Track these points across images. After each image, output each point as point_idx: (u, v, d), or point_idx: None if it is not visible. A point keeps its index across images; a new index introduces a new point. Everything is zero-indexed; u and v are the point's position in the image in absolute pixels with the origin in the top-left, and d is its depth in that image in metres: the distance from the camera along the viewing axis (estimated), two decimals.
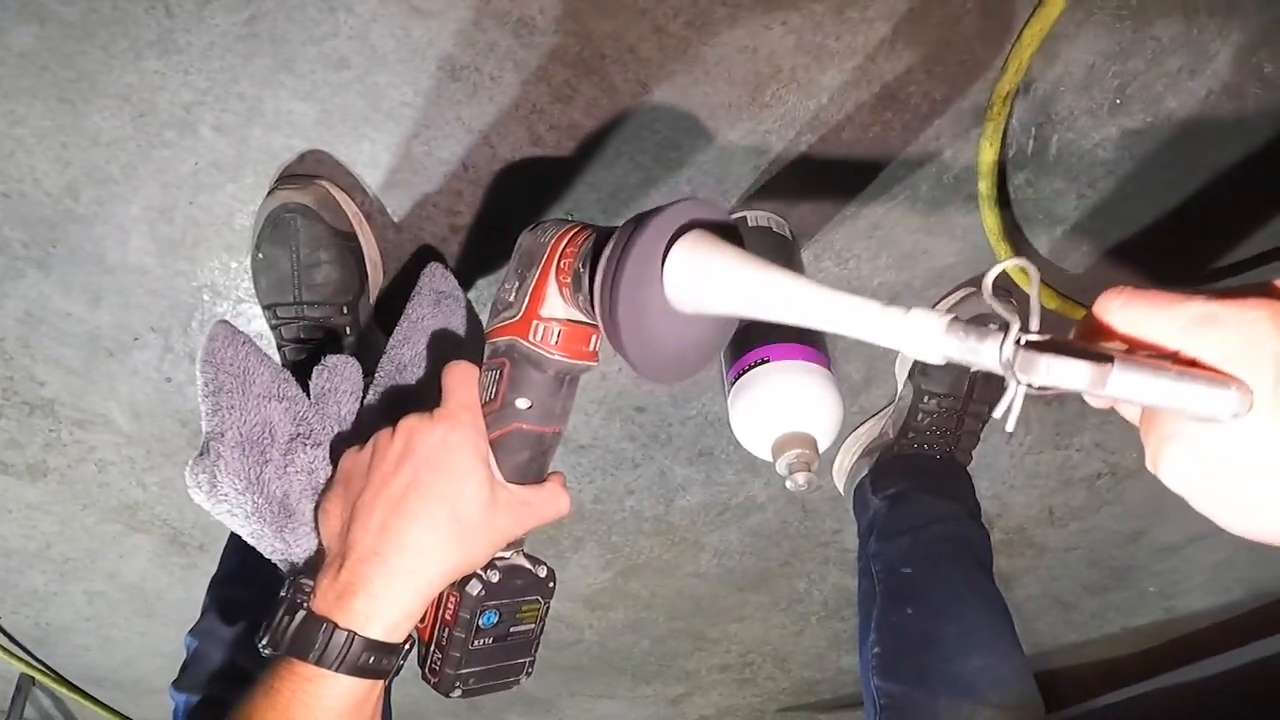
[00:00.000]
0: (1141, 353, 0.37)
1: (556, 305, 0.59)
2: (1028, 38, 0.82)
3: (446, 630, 0.61)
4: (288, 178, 0.92)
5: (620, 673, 1.71)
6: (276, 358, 0.98)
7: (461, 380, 0.61)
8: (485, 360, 0.63)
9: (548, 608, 0.67)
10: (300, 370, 0.96)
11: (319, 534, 0.62)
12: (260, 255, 0.92)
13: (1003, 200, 0.93)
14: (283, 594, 0.57)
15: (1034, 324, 0.37)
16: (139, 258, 0.99)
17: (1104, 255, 1.01)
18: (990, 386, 1.04)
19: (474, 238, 0.97)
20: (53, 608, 1.58)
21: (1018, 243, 0.97)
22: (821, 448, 0.78)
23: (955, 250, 1.00)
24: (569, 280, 0.57)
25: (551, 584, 0.66)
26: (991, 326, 0.38)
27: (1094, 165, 0.92)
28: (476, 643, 0.62)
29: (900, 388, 1.10)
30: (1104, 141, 0.90)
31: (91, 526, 1.37)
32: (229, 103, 0.87)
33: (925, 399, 1.05)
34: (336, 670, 0.53)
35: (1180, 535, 1.42)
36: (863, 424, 1.17)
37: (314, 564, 0.62)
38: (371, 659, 0.54)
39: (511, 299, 0.60)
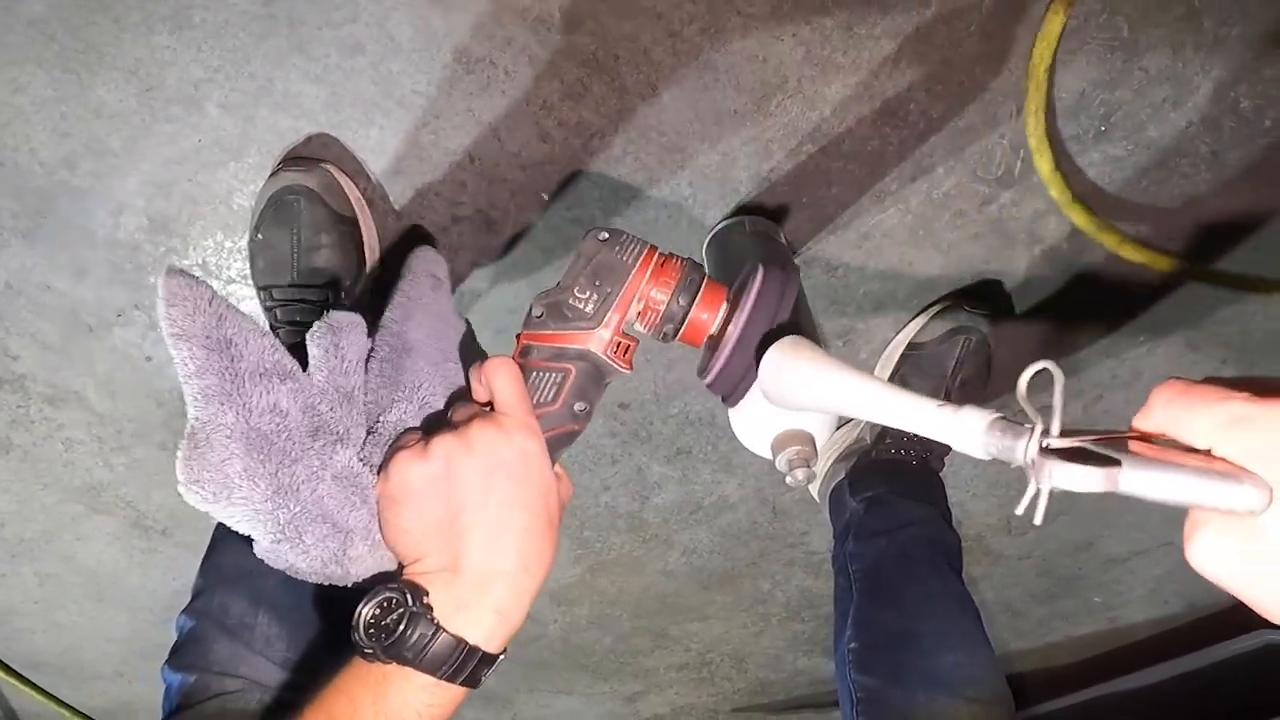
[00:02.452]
0: (1170, 447, 0.39)
1: (635, 323, 0.64)
2: (1038, 54, 0.86)
3: None
4: (292, 160, 0.92)
5: (581, 669, 1.72)
6: None
7: (516, 382, 0.62)
8: (541, 361, 0.64)
9: None
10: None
11: (388, 549, 0.62)
12: (260, 236, 0.92)
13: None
14: (395, 599, 0.56)
15: (1054, 427, 0.40)
16: (130, 233, 0.98)
17: (1076, 277, 1.06)
18: (964, 397, 1.08)
19: (474, 229, 0.98)
20: None
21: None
22: (818, 444, 0.80)
23: (939, 264, 1.04)
24: (660, 308, 0.63)
25: None
26: (1028, 426, 0.41)
27: (1076, 189, 0.97)
28: None
29: None
30: (1087, 167, 0.95)
31: (51, 506, 1.34)
32: (239, 82, 0.87)
33: None
34: (458, 682, 0.56)
35: (1125, 548, 1.48)
36: (839, 429, 1.20)
37: (389, 576, 0.63)
38: (484, 670, 0.57)
39: (588, 310, 0.63)
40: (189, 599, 0.85)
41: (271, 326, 0.95)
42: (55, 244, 0.99)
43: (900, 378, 1.08)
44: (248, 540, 0.84)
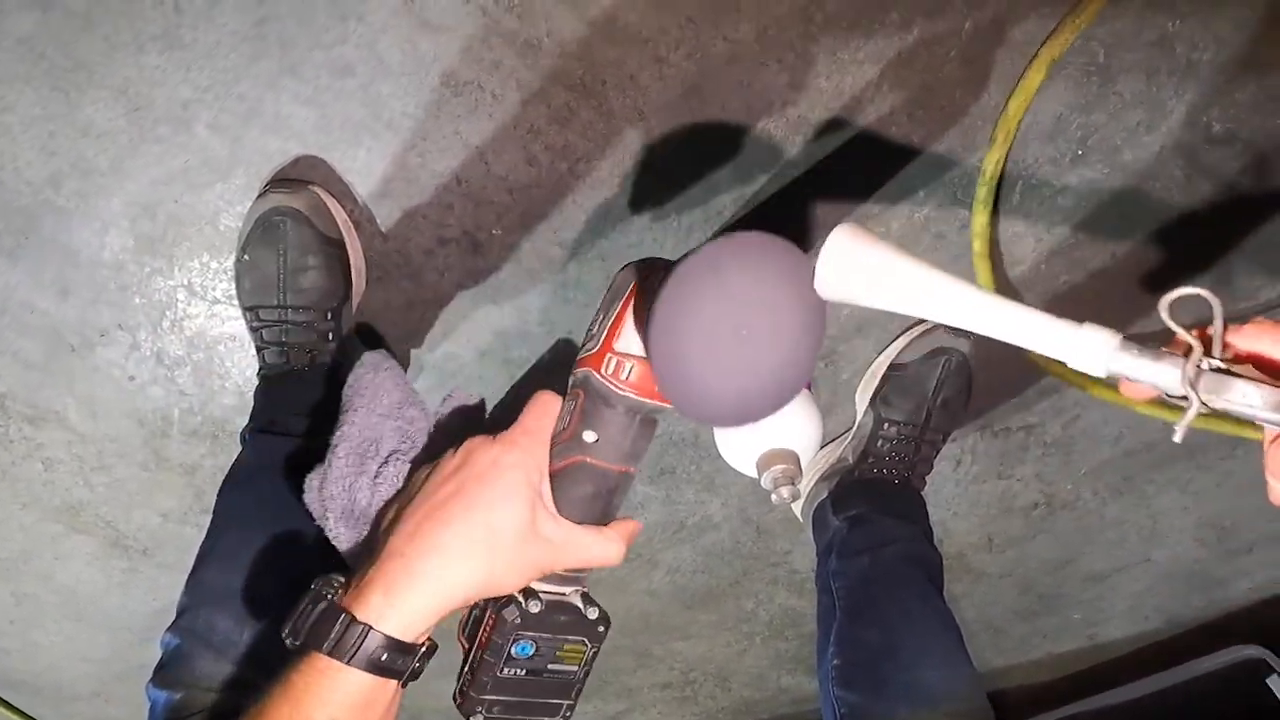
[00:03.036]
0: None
1: (633, 341, 0.57)
2: (1013, 108, 0.88)
3: (480, 652, 0.61)
4: (280, 181, 0.93)
5: None
6: (255, 362, 0.98)
7: (537, 408, 0.61)
8: (568, 390, 0.62)
9: (595, 653, 0.64)
10: (277, 377, 0.96)
11: None
12: (247, 257, 0.92)
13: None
14: (313, 587, 0.57)
15: (1216, 351, 0.40)
16: (115, 253, 0.98)
17: (1054, 296, 1.07)
18: (946, 416, 1.09)
19: (461, 251, 0.99)
20: None
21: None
22: (802, 463, 0.81)
23: None
24: (645, 315, 0.56)
25: (602, 628, 0.64)
26: (1163, 349, 0.41)
27: (1052, 211, 0.99)
28: (507, 671, 0.61)
29: (860, 415, 1.14)
30: (1064, 189, 0.97)
31: (30, 526, 1.33)
32: (228, 102, 0.88)
33: (885, 426, 1.10)
34: (350, 663, 0.53)
35: (1106, 565, 1.50)
36: (822, 448, 1.21)
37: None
38: (385, 656, 0.54)
39: (594, 330, 0.60)
40: (173, 617, 0.84)
41: (258, 347, 0.96)
42: (39, 263, 0.99)
43: (883, 398, 1.09)
44: (233, 558, 0.85)
